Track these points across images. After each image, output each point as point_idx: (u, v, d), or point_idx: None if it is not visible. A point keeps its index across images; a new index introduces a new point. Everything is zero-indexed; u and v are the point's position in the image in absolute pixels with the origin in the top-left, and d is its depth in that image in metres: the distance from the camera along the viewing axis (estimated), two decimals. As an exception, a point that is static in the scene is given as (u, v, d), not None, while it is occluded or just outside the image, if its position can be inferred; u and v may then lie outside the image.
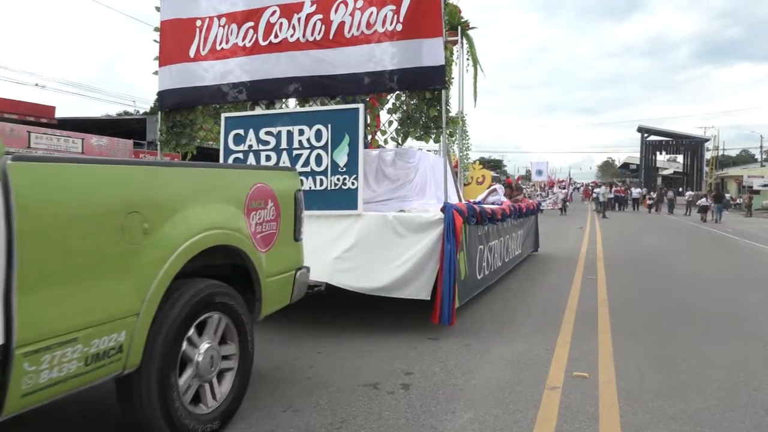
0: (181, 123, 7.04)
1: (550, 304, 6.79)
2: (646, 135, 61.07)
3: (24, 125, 21.84)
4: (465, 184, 13.64)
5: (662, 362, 4.53)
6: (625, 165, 74.15)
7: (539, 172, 38.64)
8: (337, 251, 5.28)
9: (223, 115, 6.14)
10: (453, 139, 11.75)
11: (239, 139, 5.97)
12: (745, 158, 70.23)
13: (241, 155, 5.95)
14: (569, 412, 3.51)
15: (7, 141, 19.63)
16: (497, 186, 10.91)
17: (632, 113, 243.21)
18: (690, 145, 59.38)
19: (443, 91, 5.68)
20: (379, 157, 6.73)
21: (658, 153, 62.96)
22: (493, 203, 8.91)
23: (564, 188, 38.28)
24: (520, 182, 12.65)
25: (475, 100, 12.71)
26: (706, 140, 57.88)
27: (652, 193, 36.52)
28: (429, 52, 5.58)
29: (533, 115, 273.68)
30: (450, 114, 6.00)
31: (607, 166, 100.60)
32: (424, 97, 5.82)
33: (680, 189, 49.47)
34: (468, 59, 11.93)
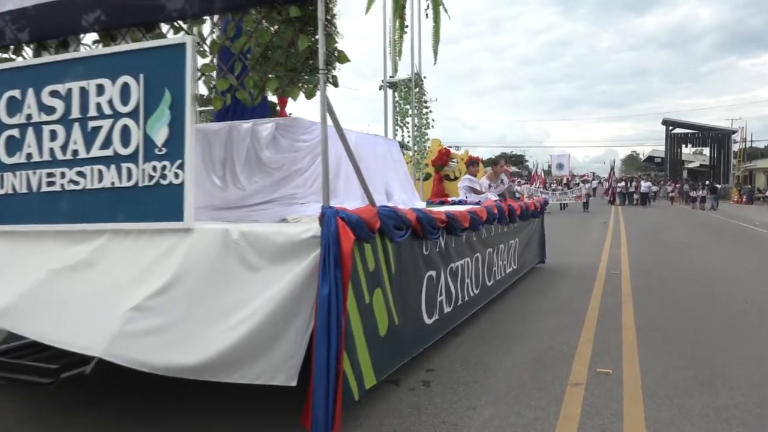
0: None
1: (572, 299, 6.71)
2: (670, 128, 59.97)
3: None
4: (432, 177, 11.57)
5: (688, 358, 4.45)
6: (650, 158, 72.85)
7: (560, 166, 37.71)
8: (136, 297, 3.11)
9: None
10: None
11: (15, 106, 3.74)
12: (774, 150, 68.57)
13: (17, 132, 3.72)
14: (593, 408, 3.47)
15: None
16: (465, 177, 8.85)
17: (656, 106, 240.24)
18: (716, 137, 58.07)
19: (320, 3, 3.19)
20: (252, 133, 4.40)
21: (683, 146, 61.78)
22: (478, 202, 7.16)
23: (587, 182, 37.77)
24: (507, 170, 10.19)
25: (436, 55, 8.79)
26: (734, 132, 56.51)
27: (668, 187, 36.09)
28: None
29: (555, 109, 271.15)
30: (337, 45, 3.36)
31: (631, 160, 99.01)
32: (288, 17, 3.34)
33: (707, 182, 48.47)
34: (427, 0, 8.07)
